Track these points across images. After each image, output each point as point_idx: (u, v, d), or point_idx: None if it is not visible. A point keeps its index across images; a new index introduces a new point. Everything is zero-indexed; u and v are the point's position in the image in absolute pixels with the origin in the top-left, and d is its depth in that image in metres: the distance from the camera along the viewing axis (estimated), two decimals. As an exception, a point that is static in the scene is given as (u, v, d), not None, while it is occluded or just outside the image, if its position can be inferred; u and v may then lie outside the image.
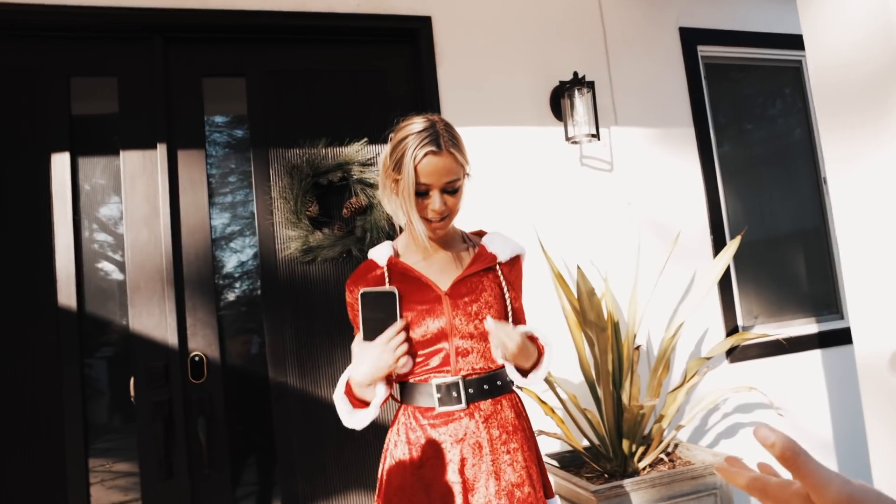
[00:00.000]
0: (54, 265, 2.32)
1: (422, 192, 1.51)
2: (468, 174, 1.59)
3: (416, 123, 1.53)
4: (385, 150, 1.61)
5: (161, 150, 2.45)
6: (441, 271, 1.62)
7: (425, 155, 1.47)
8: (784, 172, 3.46)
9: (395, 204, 1.62)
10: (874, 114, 1.97)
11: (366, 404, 1.55)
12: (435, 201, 1.51)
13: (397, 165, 1.52)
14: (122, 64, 2.48)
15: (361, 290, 1.30)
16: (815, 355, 3.23)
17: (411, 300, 1.56)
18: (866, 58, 1.98)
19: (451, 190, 1.53)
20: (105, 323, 2.39)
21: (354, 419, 1.54)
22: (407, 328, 1.52)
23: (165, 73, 2.50)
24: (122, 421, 2.37)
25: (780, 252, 3.40)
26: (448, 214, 1.56)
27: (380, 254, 1.65)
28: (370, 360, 1.47)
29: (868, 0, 1.96)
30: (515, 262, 1.69)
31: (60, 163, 2.36)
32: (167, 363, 2.38)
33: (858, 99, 2.02)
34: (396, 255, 1.65)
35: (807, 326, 3.28)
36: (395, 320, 1.46)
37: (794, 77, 3.54)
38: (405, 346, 1.48)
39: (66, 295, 2.32)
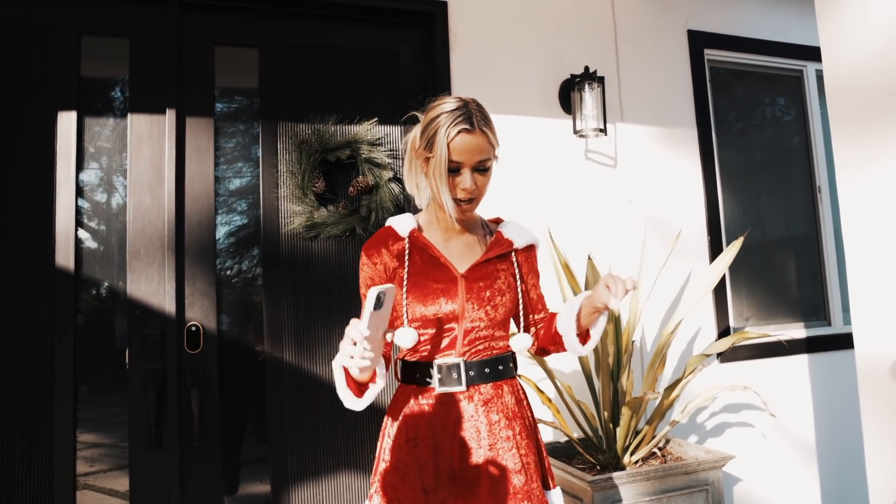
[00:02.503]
0: (54, 225, 2.27)
1: (453, 170, 1.51)
2: (497, 157, 1.58)
3: (449, 103, 1.53)
4: (416, 129, 1.60)
5: (170, 116, 2.41)
6: (459, 254, 1.61)
7: (458, 133, 1.47)
8: (780, 179, 3.51)
9: (422, 183, 1.61)
10: (889, 122, 2.00)
11: (365, 386, 1.50)
12: (465, 179, 1.50)
13: (429, 143, 1.51)
14: (135, 25, 2.44)
15: (376, 290, 1.26)
16: (801, 360, 3.29)
17: (428, 278, 1.55)
18: (884, 66, 2.00)
19: (482, 169, 1.53)
20: (102, 286, 2.35)
21: (357, 404, 1.50)
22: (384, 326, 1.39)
23: (179, 38, 2.46)
24: (113, 387, 2.33)
25: (773, 257, 3.45)
26: (476, 195, 1.55)
27: (402, 224, 1.63)
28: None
29: (889, 8, 1.99)
30: (530, 250, 1.70)
31: (67, 122, 2.32)
32: (163, 331, 2.35)
33: (873, 107, 2.04)
34: (419, 229, 1.64)
35: (795, 331, 3.33)
36: (388, 316, 1.38)
37: (795, 86, 3.59)
38: (368, 359, 1.32)
39: (64, 256, 2.27)
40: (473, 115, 1.50)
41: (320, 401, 2.52)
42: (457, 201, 1.53)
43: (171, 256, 2.37)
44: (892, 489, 2.05)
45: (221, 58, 2.54)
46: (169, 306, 2.35)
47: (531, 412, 1.67)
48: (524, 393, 1.67)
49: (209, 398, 2.39)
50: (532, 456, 1.57)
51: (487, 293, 1.56)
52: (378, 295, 1.25)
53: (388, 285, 1.30)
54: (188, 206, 2.44)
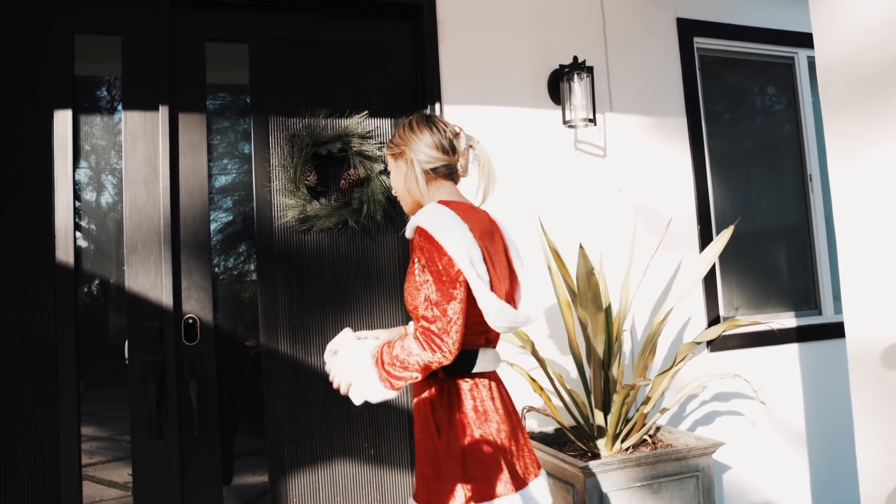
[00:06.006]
0: (54, 221, 2.31)
1: None
2: (397, 154, 1.77)
3: None
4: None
5: (163, 112, 2.44)
6: None
7: None
8: (771, 168, 3.54)
9: None
10: (882, 108, 2.00)
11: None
12: None
13: None
14: (126, 23, 2.47)
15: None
16: (792, 349, 3.32)
17: None
18: (877, 51, 2.00)
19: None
20: (101, 282, 2.39)
21: (381, 395, 1.58)
22: None
23: (169, 34, 2.49)
24: (113, 380, 2.38)
25: (763, 246, 3.48)
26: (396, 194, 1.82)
27: None
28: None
29: (880, 7, 1.99)
30: (420, 234, 1.58)
31: (63, 120, 2.35)
32: (161, 324, 2.39)
33: (866, 92, 2.04)
34: None
35: (785, 320, 3.37)
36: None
37: (786, 74, 3.61)
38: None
39: (64, 252, 2.31)
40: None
41: (315, 391, 2.56)
42: None
43: (167, 251, 2.41)
44: (882, 473, 2.09)
45: (212, 54, 2.58)
46: (166, 300, 2.39)
47: (441, 410, 1.64)
48: (438, 390, 1.65)
49: (207, 389, 2.43)
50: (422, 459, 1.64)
51: (405, 286, 1.72)
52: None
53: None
54: (183, 201, 2.48)
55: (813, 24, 2.23)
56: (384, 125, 2.76)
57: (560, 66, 2.91)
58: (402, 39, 2.84)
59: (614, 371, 2.52)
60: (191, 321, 2.44)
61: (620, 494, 2.32)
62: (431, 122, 1.76)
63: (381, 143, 2.72)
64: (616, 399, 2.44)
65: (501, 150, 2.83)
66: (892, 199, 1.99)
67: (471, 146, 1.79)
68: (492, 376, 1.70)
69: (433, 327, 1.49)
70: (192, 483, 2.40)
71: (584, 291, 2.32)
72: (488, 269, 1.60)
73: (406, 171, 1.75)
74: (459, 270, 1.53)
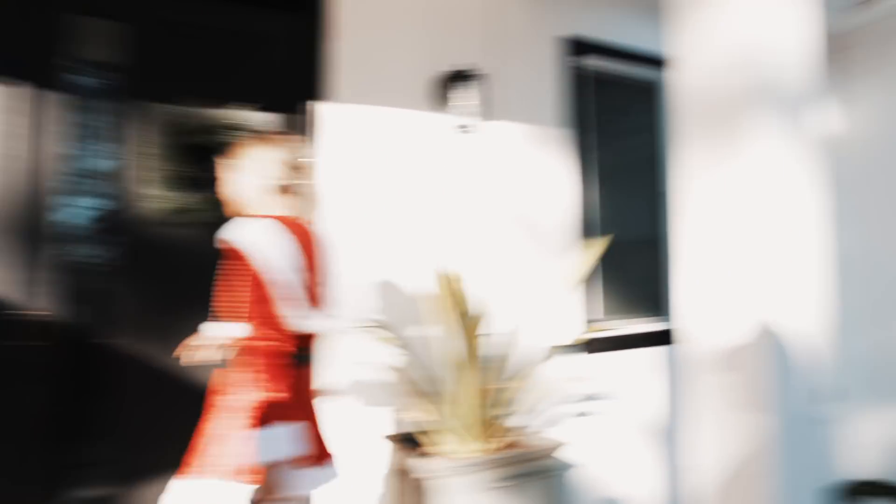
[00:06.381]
0: None
1: None
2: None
3: None
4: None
5: (25, 89, 2.25)
6: None
7: None
8: (638, 182, 3.73)
9: None
10: (726, 136, 2.19)
11: None
12: None
13: None
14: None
15: None
16: (650, 352, 3.54)
17: None
18: (725, 82, 2.18)
19: None
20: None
21: None
22: None
23: (40, 4, 2.30)
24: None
25: (627, 255, 3.66)
26: None
27: None
28: None
29: (732, 31, 2.16)
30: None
31: None
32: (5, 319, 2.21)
33: (713, 119, 2.24)
34: None
35: (647, 325, 3.58)
36: None
37: (658, 95, 3.81)
38: None
39: None
40: None
41: (165, 395, 2.44)
42: None
43: (9, 239, 2.23)
44: (711, 466, 2.32)
45: (81, 28, 2.40)
46: (12, 293, 2.22)
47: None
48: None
49: (45, 391, 2.27)
50: None
51: None
52: None
53: None
54: (30, 187, 2.29)
55: (670, 57, 2.40)
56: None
57: (450, 71, 2.93)
58: (289, 31, 2.75)
59: (475, 374, 2.57)
60: (32, 318, 2.26)
61: (474, 496, 2.37)
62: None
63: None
64: (475, 402, 2.49)
65: (388, 152, 2.82)
66: (729, 219, 2.18)
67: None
68: None
69: None
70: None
71: (451, 296, 2.36)
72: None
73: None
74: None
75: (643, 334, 3.50)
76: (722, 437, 2.26)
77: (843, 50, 4.45)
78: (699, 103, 2.29)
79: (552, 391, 2.77)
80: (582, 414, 3.28)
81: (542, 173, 3.26)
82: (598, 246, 2.80)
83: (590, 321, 3.33)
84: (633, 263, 3.66)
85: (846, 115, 4.42)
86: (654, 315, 3.66)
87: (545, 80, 3.33)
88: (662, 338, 3.57)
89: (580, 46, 3.46)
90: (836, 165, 4.36)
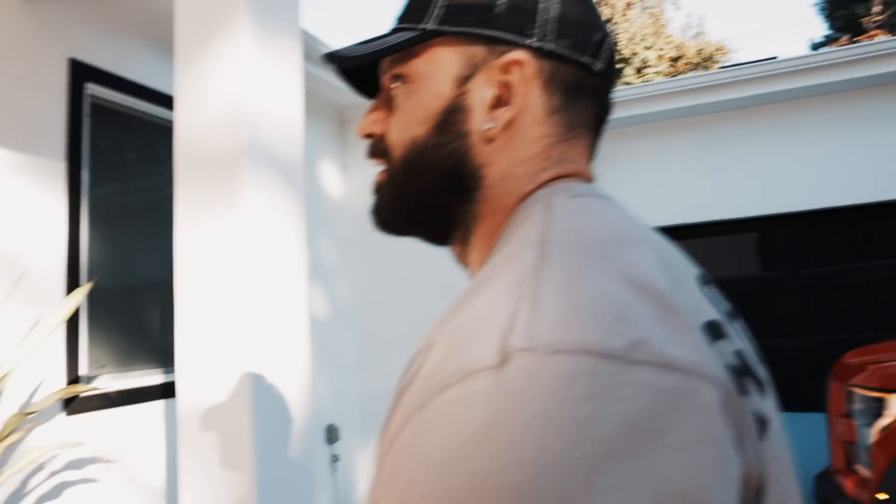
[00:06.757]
0: None
1: None
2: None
3: None
4: None
5: None
6: None
7: None
8: (152, 225, 3.57)
9: None
10: (224, 189, 2.23)
11: None
12: None
13: None
14: None
15: None
16: (158, 406, 3.34)
17: None
18: (220, 140, 2.24)
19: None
20: None
21: None
22: None
23: None
24: None
25: (138, 302, 3.46)
26: None
27: None
28: None
29: (223, 96, 2.25)
30: None
31: None
32: None
33: (211, 172, 2.27)
34: None
35: (153, 377, 3.38)
36: None
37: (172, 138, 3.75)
38: None
39: None
40: None
41: None
42: None
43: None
44: None
45: None
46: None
47: None
48: None
49: None
50: None
51: None
52: None
53: None
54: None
55: (174, 112, 2.38)
56: None
57: None
58: None
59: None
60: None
61: None
62: None
63: None
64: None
65: None
66: (223, 268, 2.22)
67: None
68: None
69: None
70: None
71: None
72: None
73: None
74: None
75: (146, 388, 3.29)
76: (213, 498, 2.19)
77: (345, 122, 5.08)
78: (198, 152, 2.31)
79: (32, 463, 2.37)
80: (80, 482, 2.89)
81: (35, 210, 2.85)
82: (81, 293, 2.54)
83: (76, 378, 2.98)
84: (140, 311, 3.45)
85: (345, 178, 5.01)
86: (162, 366, 3.48)
87: (49, 105, 2.96)
88: (168, 391, 3.41)
89: (89, 73, 3.17)
90: (337, 222, 4.89)
